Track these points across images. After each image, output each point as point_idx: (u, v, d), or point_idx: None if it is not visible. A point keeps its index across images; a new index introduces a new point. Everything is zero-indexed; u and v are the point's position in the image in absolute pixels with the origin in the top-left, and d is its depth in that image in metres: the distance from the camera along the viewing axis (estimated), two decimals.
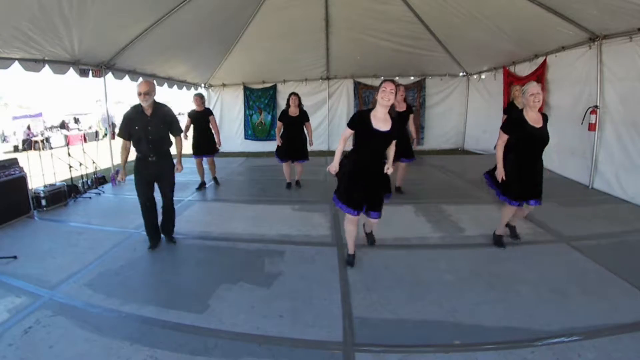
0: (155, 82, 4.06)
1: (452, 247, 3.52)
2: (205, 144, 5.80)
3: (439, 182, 6.28)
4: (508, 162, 3.13)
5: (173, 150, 3.69)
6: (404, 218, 4.34)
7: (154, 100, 3.44)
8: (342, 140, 2.92)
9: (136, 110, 3.43)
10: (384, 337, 2.23)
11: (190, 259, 3.44)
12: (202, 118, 5.70)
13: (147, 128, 3.39)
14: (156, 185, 3.63)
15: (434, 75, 9.62)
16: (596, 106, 5.13)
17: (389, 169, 2.88)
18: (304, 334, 2.29)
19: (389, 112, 2.83)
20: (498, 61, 7.91)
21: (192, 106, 5.82)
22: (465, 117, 9.86)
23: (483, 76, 9.01)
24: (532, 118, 3.01)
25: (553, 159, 6.24)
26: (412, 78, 9.73)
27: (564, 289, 2.66)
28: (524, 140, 3.01)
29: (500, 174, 3.14)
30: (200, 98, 5.75)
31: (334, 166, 2.94)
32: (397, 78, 9.52)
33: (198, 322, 2.41)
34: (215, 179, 6.44)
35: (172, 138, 3.66)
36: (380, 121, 2.80)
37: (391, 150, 2.97)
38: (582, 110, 5.42)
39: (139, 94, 3.31)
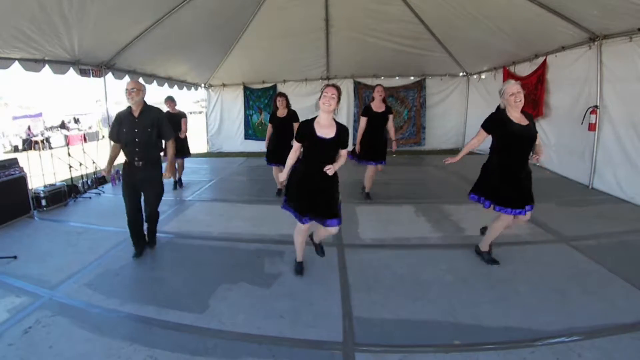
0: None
1: (452, 247, 3.52)
2: (179, 147, 5.68)
3: (439, 182, 6.28)
4: (492, 167, 2.96)
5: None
6: (404, 218, 4.34)
7: (144, 102, 3.27)
8: (292, 151, 2.80)
9: (126, 111, 3.27)
10: (384, 337, 2.23)
11: (190, 259, 3.44)
12: (174, 120, 5.66)
13: (134, 130, 3.19)
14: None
15: (434, 75, 9.60)
16: (596, 106, 5.13)
17: (329, 169, 2.59)
18: (304, 334, 2.29)
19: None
20: (498, 61, 7.91)
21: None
22: (465, 117, 9.85)
23: (483, 76, 9.00)
24: (516, 117, 2.84)
25: (553, 159, 6.24)
26: (412, 78, 9.71)
27: (564, 289, 2.66)
28: (509, 139, 2.82)
29: (452, 159, 3.12)
30: (171, 101, 5.91)
31: (282, 176, 2.84)
32: (397, 78, 9.54)
33: (198, 322, 2.41)
34: (180, 180, 6.37)
35: (166, 142, 3.41)
36: (325, 128, 2.66)
37: (341, 158, 2.75)
38: (581, 110, 5.42)
39: (126, 91, 3.16)
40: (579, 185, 5.55)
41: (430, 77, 9.66)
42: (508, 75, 7.68)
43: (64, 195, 5.28)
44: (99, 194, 5.95)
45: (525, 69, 7.03)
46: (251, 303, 2.63)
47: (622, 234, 3.66)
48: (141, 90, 3.24)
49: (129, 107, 3.26)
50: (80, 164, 6.22)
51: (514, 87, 2.79)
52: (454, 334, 2.22)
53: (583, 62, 5.39)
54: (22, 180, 4.70)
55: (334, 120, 2.74)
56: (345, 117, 9.90)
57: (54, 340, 2.23)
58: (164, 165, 3.50)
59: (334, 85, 2.66)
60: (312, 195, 2.70)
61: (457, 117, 9.94)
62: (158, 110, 3.39)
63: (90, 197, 5.70)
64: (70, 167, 5.98)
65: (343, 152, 2.75)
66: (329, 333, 2.28)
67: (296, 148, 2.79)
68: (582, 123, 5.40)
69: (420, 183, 6.00)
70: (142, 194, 3.38)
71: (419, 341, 2.18)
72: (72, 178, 5.94)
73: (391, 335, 2.24)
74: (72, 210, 5.09)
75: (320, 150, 2.68)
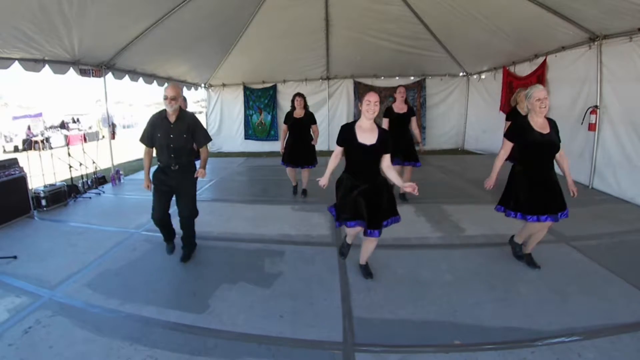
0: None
1: (452, 247, 3.52)
2: None
3: (439, 182, 6.27)
4: (515, 176, 2.91)
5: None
6: (404, 218, 4.31)
7: (180, 107, 3.22)
8: (333, 156, 2.82)
9: (160, 115, 3.20)
10: (384, 337, 2.23)
11: (190, 258, 3.44)
12: None
13: (169, 136, 3.16)
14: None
15: (434, 75, 9.61)
16: (596, 106, 5.13)
17: (406, 188, 2.61)
18: (304, 334, 2.29)
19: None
20: (498, 61, 7.91)
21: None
22: (465, 117, 9.86)
23: (483, 76, 9.01)
24: (538, 124, 2.77)
25: None
26: (412, 78, 9.73)
27: (564, 289, 2.66)
28: (531, 148, 2.78)
29: (490, 181, 2.88)
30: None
31: (324, 179, 2.80)
32: (397, 78, 9.54)
33: (198, 322, 2.42)
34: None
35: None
36: (366, 132, 2.65)
37: (388, 168, 2.76)
38: (581, 110, 5.42)
39: (165, 98, 3.09)
40: (579, 185, 5.54)
41: (430, 77, 9.67)
42: (508, 75, 7.69)
43: (64, 195, 5.27)
44: (99, 194, 5.95)
45: (525, 69, 7.03)
46: (251, 303, 2.63)
47: (622, 234, 3.66)
48: (180, 97, 3.20)
49: (164, 111, 3.19)
50: (80, 164, 6.22)
51: (541, 92, 2.73)
52: (454, 334, 2.22)
53: (583, 62, 5.39)
54: (22, 180, 4.69)
55: (376, 124, 2.73)
56: (345, 117, 9.91)
57: (54, 340, 2.23)
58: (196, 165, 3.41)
59: (375, 91, 2.72)
60: (363, 200, 2.64)
61: (457, 117, 9.96)
62: (192, 115, 3.38)
63: (90, 197, 5.70)
64: (70, 167, 5.98)
65: (387, 157, 2.73)
66: (329, 333, 2.28)
67: (337, 153, 2.79)
68: (582, 123, 5.40)
69: (421, 183, 5.96)
70: (174, 196, 3.35)
71: (419, 341, 2.18)
72: (72, 178, 5.94)
73: (391, 335, 2.24)
74: (72, 210, 5.08)
75: (362, 156, 2.67)
